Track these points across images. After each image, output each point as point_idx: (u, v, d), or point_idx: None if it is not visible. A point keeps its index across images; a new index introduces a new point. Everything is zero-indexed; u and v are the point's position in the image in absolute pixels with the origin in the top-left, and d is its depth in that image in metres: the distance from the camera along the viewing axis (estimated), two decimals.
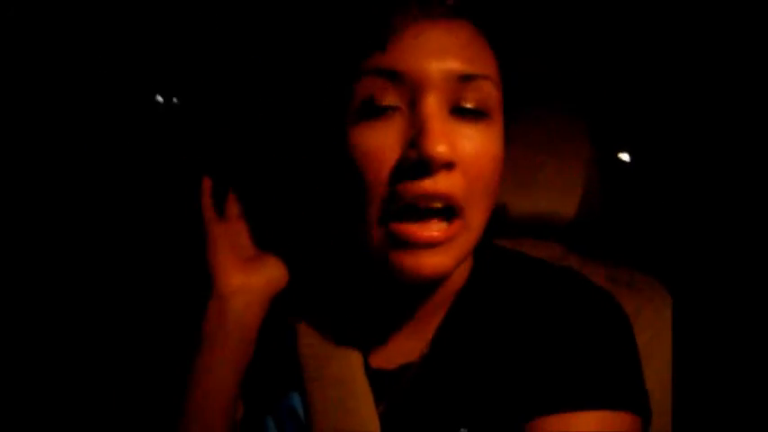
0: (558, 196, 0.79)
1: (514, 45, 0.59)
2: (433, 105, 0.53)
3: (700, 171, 0.48)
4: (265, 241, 0.66)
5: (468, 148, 0.54)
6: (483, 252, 0.65)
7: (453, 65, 0.53)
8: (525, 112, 0.65)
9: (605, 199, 0.81)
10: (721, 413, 0.46)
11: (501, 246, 0.68)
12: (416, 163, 0.52)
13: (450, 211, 0.54)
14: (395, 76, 0.53)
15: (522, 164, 0.78)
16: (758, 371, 0.45)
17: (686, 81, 0.49)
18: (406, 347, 0.63)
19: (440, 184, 0.52)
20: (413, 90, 0.53)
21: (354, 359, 0.63)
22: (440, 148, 0.51)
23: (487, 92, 0.55)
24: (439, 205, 0.53)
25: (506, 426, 0.57)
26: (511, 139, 0.60)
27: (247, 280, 0.63)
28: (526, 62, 0.63)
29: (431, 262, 0.54)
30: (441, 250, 0.54)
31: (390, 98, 0.54)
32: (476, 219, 0.55)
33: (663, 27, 0.51)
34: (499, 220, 0.72)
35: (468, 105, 0.54)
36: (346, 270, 0.65)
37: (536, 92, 0.75)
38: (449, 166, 0.53)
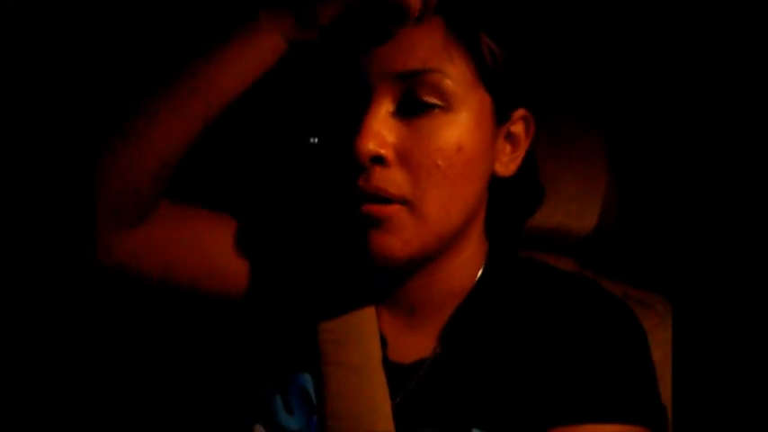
0: (575, 210, 0.78)
1: (503, 39, 0.60)
2: (371, 107, 0.57)
3: (718, 187, 0.47)
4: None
5: (409, 142, 0.57)
6: (496, 255, 0.66)
7: (391, 65, 0.57)
8: (541, 124, 0.64)
9: (622, 214, 0.80)
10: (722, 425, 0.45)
11: (515, 250, 0.69)
12: (353, 161, 0.56)
13: (383, 200, 0.57)
14: (352, 81, 0.58)
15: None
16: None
17: (703, 91, 0.48)
18: (420, 343, 0.64)
19: (372, 180, 0.57)
20: (365, 92, 0.58)
21: (374, 349, 0.63)
22: (364, 147, 0.56)
23: (436, 84, 0.56)
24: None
25: (519, 430, 0.57)
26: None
27: None
28: (538, 65, 0.63)
29: (380, 241, 0.57)
30: (391, 233, 0.57)
31: (352, 100, 0.58)
32: (429, 208, 0.57)
33: (689, 39, 0.50)
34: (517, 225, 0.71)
35: (414, 101, 0.57)
36: (354, 262, 0.66)
37: (551, 100, 0.75)
38: (379, 161, 0.57)
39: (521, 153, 0.64)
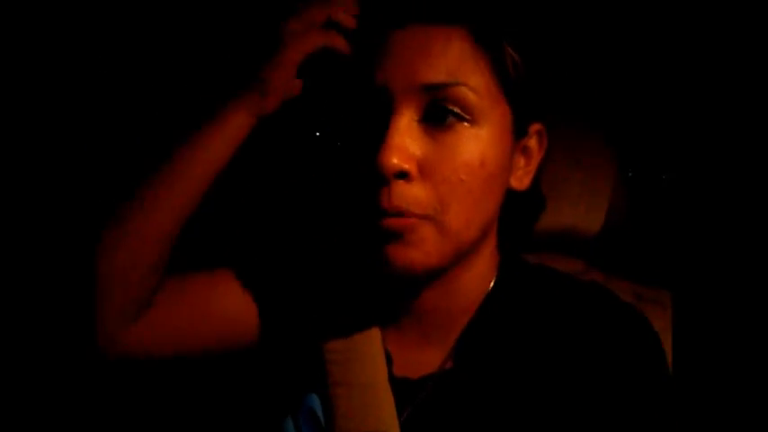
0: (583, 211, 0.78)
1: (526, 51, 0.59)
2: (394, 120, 0.56)
3: (728, 188, 0.47)
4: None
5: (432, 156, 0.56)
6: (508, 265, 0.66)
7: (416, 76, 0.56)
8: (549, 126, 0.65)
9: (630, 214, 0.80)
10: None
11: (526, 260, 0.68)
12: (376, 174, 0.55)
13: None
14: (373, 92, 0.57)
15: (546, 178, 0.78)
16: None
17: (709, 93, 0.49)
18: (428, 358, 0.63)
19: (394, 195, 0.56)
20: (387, 102, 0.56)
21: (379, 366, 0.63)
22: (388, 162, 0.55)
23: (461, 98, 0.56)
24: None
25: None
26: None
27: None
28: (548, 72, 0.63)
29: (402, 254, 0.56)
30: (412, 245, 0.56)
31: (373, 111, 0.57)
32: (452, 222, 0.57)
33: (695, 45, 0.50)
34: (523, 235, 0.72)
35: (439, 112, 0.56)
36: (364, 277, 0.67)
37: (560, 104, 0.75)
38: (404, 176, 0.56)
39: (534, 167, 0.63)
